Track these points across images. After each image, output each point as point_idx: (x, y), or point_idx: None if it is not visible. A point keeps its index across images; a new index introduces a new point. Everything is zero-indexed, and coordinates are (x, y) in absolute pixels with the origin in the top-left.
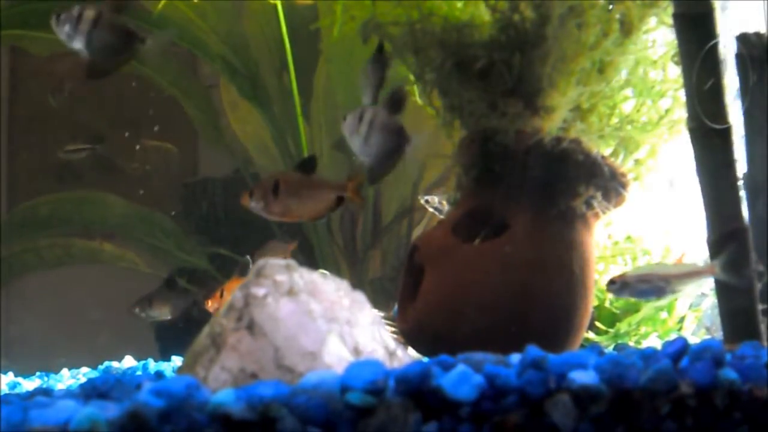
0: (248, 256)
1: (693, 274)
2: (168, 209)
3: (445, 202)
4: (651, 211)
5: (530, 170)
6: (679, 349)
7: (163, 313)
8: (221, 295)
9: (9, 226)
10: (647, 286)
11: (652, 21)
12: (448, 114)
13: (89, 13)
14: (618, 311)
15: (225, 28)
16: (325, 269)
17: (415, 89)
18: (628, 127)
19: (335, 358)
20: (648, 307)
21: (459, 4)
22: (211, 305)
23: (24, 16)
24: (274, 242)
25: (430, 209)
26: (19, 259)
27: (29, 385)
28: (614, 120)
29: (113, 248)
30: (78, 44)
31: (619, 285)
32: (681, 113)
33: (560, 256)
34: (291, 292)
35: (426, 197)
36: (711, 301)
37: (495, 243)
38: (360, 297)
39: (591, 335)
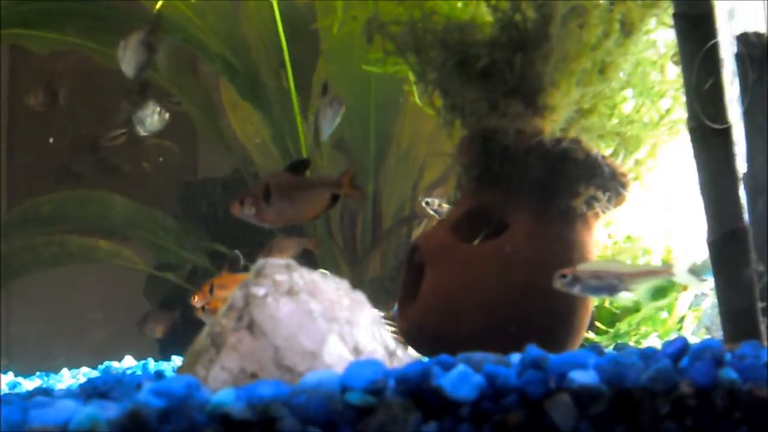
0: (236, 251)
1: (649, 273)
2: (168, 208)
3: (444, 205)
4: (651, 211)
5: (530, 170)
6: (679, 349)
7: (156, 331)
8: (210, 291)
9: (10, 224)
10: (600, 282)
11: (652, 22)
12: (448, 114)
13: (130, 39)
14: (618, 311)
15: (224, 29)
16: (325, 269)
17: (415, 89)
18: (629, 127)
19: (335, 357)
20: (648, 307)
21: (460, 4)
22: (197, 301)
23: (24, 15)
24: (280, 239)
25: (430, 211)
26: (17, 257)
27: (29, 385)
28: (614, 120)
29: (110, 245)
30: (125, 66)
31: (569, 279)
32: (681, 113)
33: (560, 255)
34: (291, 292)
35: (426, 199)
36: (711, 301)
37: (495, 243)
38: (360, 297)
39: (591, 335)
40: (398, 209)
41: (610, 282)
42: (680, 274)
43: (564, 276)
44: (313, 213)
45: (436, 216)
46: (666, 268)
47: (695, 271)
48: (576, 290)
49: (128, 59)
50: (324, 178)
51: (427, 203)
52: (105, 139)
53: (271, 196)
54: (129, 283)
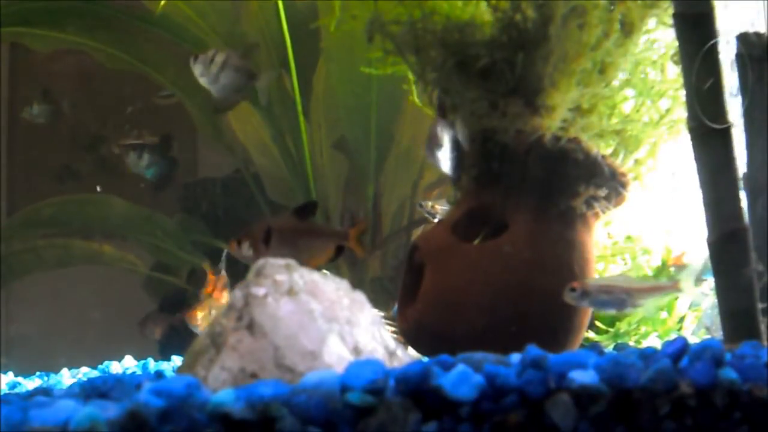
0: (224, 252)
1: (656, 288)
2: (167, 208)
3: (437, 206)
4: (651, 211)
5: (530, 170)
6: (679, 349)
7: (156, 333)
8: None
9: (12, 227)
10: (608, 297)
11: (652, 22)
12: (448, 113)
13: (219, 57)
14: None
15: (225, 28)
16: (325, 269)
17: (414, 89)
18: (629, 127)
19: (335, 357)
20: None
21: (460, 4)
22: (190, 309)
23: (25, 14)
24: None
25: (424, 213)
26: (18, 259)
27: (29, 384)
28: (614, 120)
29: (113, 250)
30: (207, 82)
31: (579, 293)
32: (681, 113)
33: (560, 255)
34: (291, 292)
35: (420, 202)
36: (711, 301)
37: (495, 243)
38: (360, 297)
39: (591, 335)
40: (398, 209)
41: (618, 297)
42: (687, 290)
43: (573, 290)
44: (314, 263)
45: (430, 217)
46: (673, 284)
47: (696, 278)
48: (585, 304)
49: (223, 81)
50: (330, 229)
51: (420, 205)
52: (115, 145)
53: (271, 240)
54: (129, 283)
